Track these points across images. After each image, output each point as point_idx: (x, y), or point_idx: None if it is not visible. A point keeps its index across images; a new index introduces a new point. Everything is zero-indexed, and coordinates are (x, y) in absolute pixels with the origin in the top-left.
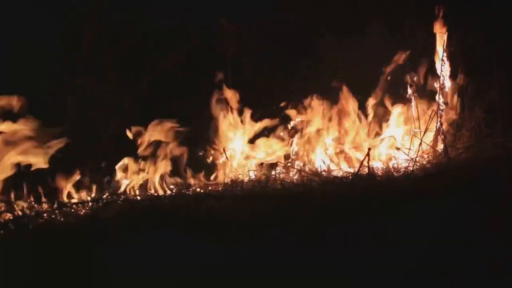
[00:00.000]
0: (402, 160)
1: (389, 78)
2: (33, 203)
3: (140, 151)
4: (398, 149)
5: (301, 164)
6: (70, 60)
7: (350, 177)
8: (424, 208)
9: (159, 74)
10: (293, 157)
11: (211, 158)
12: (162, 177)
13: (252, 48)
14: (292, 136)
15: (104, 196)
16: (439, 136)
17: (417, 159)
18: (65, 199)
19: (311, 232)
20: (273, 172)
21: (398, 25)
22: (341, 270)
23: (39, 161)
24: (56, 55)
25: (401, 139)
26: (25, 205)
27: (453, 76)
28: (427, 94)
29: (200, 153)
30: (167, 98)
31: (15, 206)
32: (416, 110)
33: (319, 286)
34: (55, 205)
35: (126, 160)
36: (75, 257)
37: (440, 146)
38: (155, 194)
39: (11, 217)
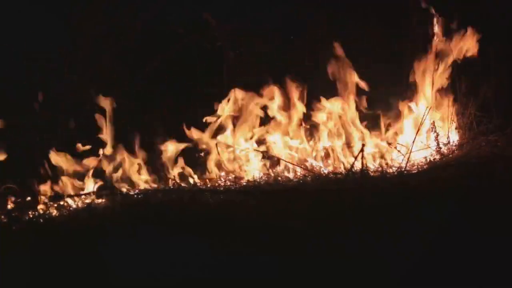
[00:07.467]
0: (395, 157)
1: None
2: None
3: None
4: (389, 144)
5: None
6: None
7: (344, 172)
8: (416, 204)
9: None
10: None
11: (205, 153)
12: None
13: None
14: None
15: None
16: (432, 134)
17: (410, 156)
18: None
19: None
20: (267, 167)
21: (393, 21)
22: (339, 267)
23: None
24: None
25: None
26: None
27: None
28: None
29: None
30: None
31: (7, 198)
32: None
33: (317, 283)
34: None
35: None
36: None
37: (433, 144)
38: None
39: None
